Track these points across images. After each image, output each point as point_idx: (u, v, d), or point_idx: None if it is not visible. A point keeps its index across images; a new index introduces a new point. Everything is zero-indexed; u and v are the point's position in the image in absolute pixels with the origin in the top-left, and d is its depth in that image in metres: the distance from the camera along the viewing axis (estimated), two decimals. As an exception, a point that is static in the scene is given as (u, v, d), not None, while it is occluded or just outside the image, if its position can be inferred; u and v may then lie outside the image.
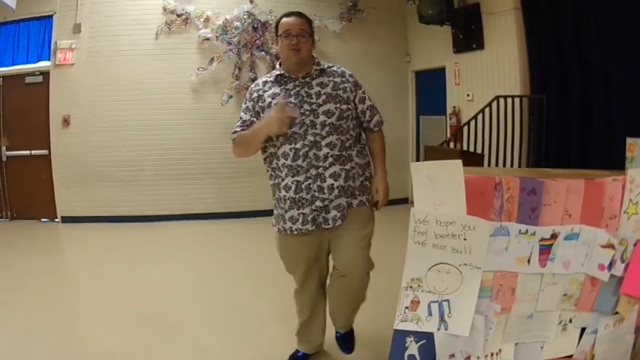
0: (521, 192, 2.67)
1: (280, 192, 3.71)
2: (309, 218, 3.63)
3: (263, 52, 10.35)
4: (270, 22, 10.16)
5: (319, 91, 3.68)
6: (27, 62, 10.08)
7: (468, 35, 9.36)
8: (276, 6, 10.25)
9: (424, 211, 2.64)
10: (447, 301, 2.68)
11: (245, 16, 10.11)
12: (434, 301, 2.69)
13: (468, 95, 9.61)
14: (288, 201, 3.66)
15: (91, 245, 8.49)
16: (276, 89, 3.73)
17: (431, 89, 11.05)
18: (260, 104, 3.74)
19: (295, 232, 3.70)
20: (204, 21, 10.01)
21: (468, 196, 2.58)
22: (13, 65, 10.08)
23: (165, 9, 9.90)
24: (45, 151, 10.00)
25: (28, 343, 4.69)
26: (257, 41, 10.26)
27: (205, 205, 10.26)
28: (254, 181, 10.15)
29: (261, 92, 3.77)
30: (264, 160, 3.90)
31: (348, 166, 3.68)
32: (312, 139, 3.57)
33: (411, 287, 2.72)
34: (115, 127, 9.92)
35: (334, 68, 3.87)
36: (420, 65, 11.38)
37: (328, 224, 3.64)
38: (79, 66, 9.85)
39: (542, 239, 2.69)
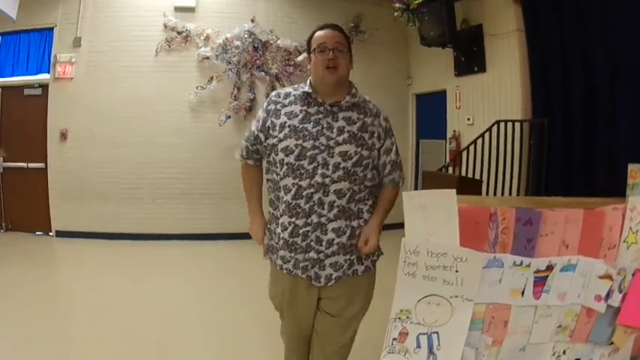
0: (517, 222, 2.52)
1: (277, 227, 3.21)
2: (300, 266, 3.13)
3: (263, 73, 10.18)
4: (271, 41, 10.10)
5: (343, 127, 3.10)
6: (26, 74, 9.95)
7: (470, 58, 9.21)
8: (277, 25, 10.23)
9: (415, 242, 2.47)
10: (437, 333, 2.54)
11: (246, 35, 9.99)
12: (423, 333, 2.55)
13: (468, 119, 9.44)
14: (282, 241, 3.15)
15: (85, 261, 8.33)
16: (296, 108, 3.15)
17: (431, 113, 10.87)
18: (273, 119, 3.17)
19: (285, 272, 3.21)
20: (204, 39, 9.89)
21: (461, 226, 2.43)
22: (12, 76, 9.94)
23: (165, 26, 9.79)
24: (42, 165, 9.86)
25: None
26: (257, 61, 10.10)
27: (202, 225, 10.06)
28: (249, 203, 10.00)
29: (279, 106, 3.19)
30: (266, 180, 3.40)
31: (355, 223, 3.16)
32: (320, 180, 3.02)
33: (399, 318, 2.57)
34: (113, 143, 9.75)
35: (370, 105, 3.27)
36: (421, 88, 11.25)
37: (320, 282, 3.16)
38: (78, 80, 9.72)
39: (538, 271, 2.55)
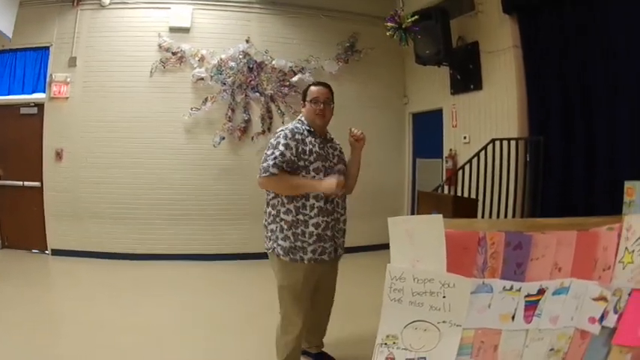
0: (507, 247, 2.52)
1: (308, 228, 4.24)
2: (327, 251, 4.32)
3: (257, 93, 9.99)
4: (266, 62, 9.95)
5: (333, 153, 4.53)
6: (22, 92, 9.84)
7: (466, 76, 9.03)
8: (272, 46, 10.10)
9: (401, 268, 2.50)
10: (424, 358, 2.55)
11: (240, 56, 9.84)
12: (410, 359, 2.56)
13: (464, 137, 9.23)
14: (315, 236, 4.25)
15: (80, 281, 8.21)
16: (312, 139, 4.35)
17: (428, 131, 10.65)
18: (302, 147, 4.24)
19: (317, 262, 4.29)
20: (199, 60, 9.72)
21: (449, 251, 2.44)
22: (8, 94, 9.83)
23: (160, 46, 9.64)
24: (37, 183, 9.71)
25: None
26: (252, 82, 9.92)
27: (196, 246, 9.86)
28: (245, 224, 9.86)
29: (302, 137, 4.30)
30: (292, 198, 4.28)
31: (346, 215, 4.60)
32: None
33: (385, 344, 2.56)
34: (108, 163, 9.59)
35: (334, 140, 4.71)
36: (418, 107, 11.09)
37: (337, 255, 4.51)
38: (73, 100, 9.60)
39: (529, 295, 2.56)
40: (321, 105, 4.36)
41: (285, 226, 4.27)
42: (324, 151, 4.36)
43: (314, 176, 4.20)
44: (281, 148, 4.16)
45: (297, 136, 4.24)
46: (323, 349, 5.12)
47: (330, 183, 4.13)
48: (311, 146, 4.27)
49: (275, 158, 4.13)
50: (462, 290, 2.45)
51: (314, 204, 4.22)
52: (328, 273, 4.64)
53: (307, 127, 4.40)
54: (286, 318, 4.48)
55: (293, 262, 4.26)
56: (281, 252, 4.28)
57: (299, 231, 4.24)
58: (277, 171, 4.13)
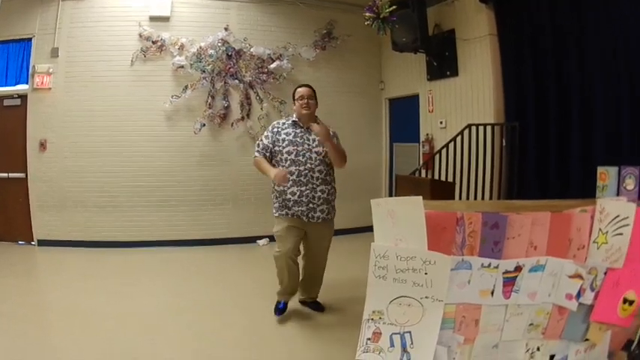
0: (484, 227, 2.61)
1: (287, 196, 5.58)
2: (305, 213, 5.59)
3: (236, 81, 9.97)
4: (245, 50, 9.91)
5: (314, 138, 5.65)
6: (5, 84, 9.64)
7: (442, 62, 9.06)
8: (251, 34, 10.07)
9: (384, 247, 2.60)
10: (409, 332, 2.63)
11: (219, 44, 9.78)
12: (396, 333, 2.64)
13: (441, 122, 9.29)
14: (292, 201, 5.57)
15: (66, 270, 8.10)
16: (290, 130, 5.72)
17: (404, 116, 10.69)
18: (277, 137, 5.70)
19: (295, 216, 5.62)
20: (178, 48, 9.64)
21: (429, 231, 2.51)
22: (-9, 86, 9.57)
23: (140, 35, 9.53)
24: (22, 174, 9.57)
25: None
26: (231, 69, 9.89)
27: (179, 231, 9.85)
28: (226, 209, 9.93)
29: (279, 129, 5.76)
30: None
31: (328, 187, 5.72)
32: (309, 166, 5.56)
33: (372, 319, 2.67)
34: (91, 152, 9.51)
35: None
36: (394, 93, 11.10)
37: (314, 219, 5.62)
38: (56, 90, 9.47)
39: (506, 272, 2.65)
40: (306, 100, 5.70)
41: (277, 194, 5.73)
42: (301, 138, 5.65)
43: (286, 158, 5.58)
44: (263, 138, 5.81)
45: (274, 130, 5.76)
46: (317, 299, 6.33)
47: (274, 173, 5.44)
48: (285, 135, 5.66)
49: (258, 145, 5.80)
50: (443, 267, 2.52)
51: (290, 177, 5.51)
52: (316, 238, 5.85)
53: (293, 120, 5.79)
54: (278, 243, 5.77)
55: (281, 216, 5.72)
56: (274, 211, 5.81)
57: (282, 198, 5.66)
58: (257, 155, 5.74)
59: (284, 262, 5.66)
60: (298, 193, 5.55)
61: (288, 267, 5.69)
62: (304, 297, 6.29)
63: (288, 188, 5.56)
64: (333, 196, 5.81)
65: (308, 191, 5.56)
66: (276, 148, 5.67)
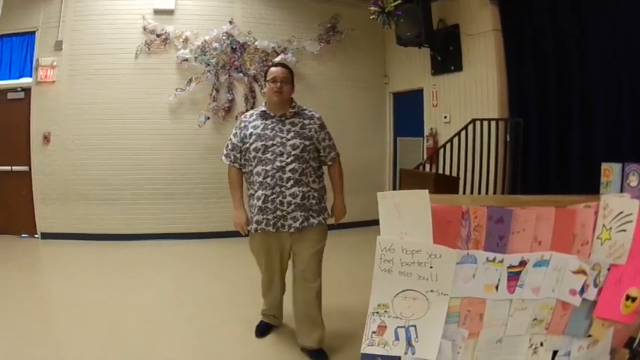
0: (489, 221, 2.61)
1: (253, 200, 4.60)
2: (271, 223, 4.53)
3: (241, 74, 9.93)
4: (249, 43, 9.88)
5: (289, 129, 4.58)
6: (9, 78, 9.67)
7: (447, 57, 9.05)
8: (255, 27, 10.02)
9: (390, 240, 2.60)
10: (414, 326, 2.64)
11: (224, 37, 9.75)
12: (401, 326, 2.65)
13: (445, 117, 9.30)
14: (257, 208, 4.55)
15: (70, 263, 8.10)
16: (258, 122, 4.66)
17: (408, 111, 10.69)
18: (244, 132, 4.68)
19: (259, 232, 4.62)
20: (183, 41, 9.62)
21: (434, 225, 2.51)
22: (-5, 79, 9.59)
23: (145, 29, 9.51)
24: (25, 168, 9.59)
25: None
26: (235, 62, 9.86)
27: (183, 224, 9.86)
28: (229, 202, 9.84)
29: (247, 123, 4.71)
30: (244, 173, 4.81)
31: (305, 189, 4.56)
32: (278, 164, 4.46)
33: (377, 313, 2.68)
34: (95, 145, 9.51)
35: (307, 112, 4.77)
36: (398, 87, 11.07)
37: (285, 229, 4.53)
38: (59, 83, 9.46)
39: (511, 266, 2.66)
40: (279, 84, 4.57)
41: (249, 199, 4.75)
42: (272, 131, 4.57)
43: (254, 156, 4.57)
44: (232, 136, 4.85)
45: (242, 124, 4.75)
46: (322, 347, 4.83)
47: (234, 215, 4.80)
48: (252, 129, 4.63)
49: (227, 146, 4.88)
50: (448, 261, 2.53)
51: (257, 179, 4.57)
52: (297, 251, 4.70)
53: (263, 109, 4.74)
54: (260, 270, 5.05)
55: (251, 231, 4.71)
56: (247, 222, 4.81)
57: (250, 203, 4.73)
58: (226, 160, 4.89)
59: (262, 281, 5.13)
60: (263, 198, 4.49)
61: (267, 286, 5.11)
62: (304, 344, 4.86)
63: (255, 192, 4.58)
64: (315, 200, 4.64)
65: (274, 196, 4.47)
66: (245, 146, 4.66)
